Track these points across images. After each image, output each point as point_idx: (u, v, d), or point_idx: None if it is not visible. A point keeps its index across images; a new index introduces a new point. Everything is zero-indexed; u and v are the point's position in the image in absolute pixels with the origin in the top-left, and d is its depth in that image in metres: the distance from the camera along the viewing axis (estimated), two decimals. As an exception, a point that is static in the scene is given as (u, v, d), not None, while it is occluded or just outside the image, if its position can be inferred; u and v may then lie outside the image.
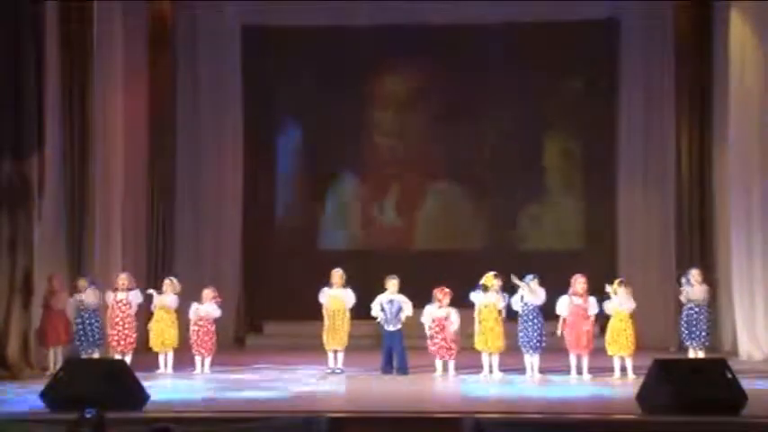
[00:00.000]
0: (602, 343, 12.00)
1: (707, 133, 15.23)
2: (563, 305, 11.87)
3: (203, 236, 16.58)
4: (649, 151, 16.19)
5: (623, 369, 11.73)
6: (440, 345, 11.99)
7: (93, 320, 12.43)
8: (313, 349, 12.85)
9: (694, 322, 12.31)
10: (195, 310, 12.45)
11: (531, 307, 11.92)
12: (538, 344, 11.86)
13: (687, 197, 15.33)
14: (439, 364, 12.04)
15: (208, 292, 12.53)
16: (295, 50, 16.89)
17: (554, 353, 12.15)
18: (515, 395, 10.58)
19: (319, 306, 12.47)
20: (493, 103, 16.89)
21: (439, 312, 12.03)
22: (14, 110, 11.98)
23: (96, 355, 12.38)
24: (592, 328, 11.93)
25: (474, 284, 12.05)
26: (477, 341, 11.99)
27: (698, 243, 15.13)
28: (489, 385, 11.41)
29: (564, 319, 11.83)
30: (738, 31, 14.03)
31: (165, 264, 15.55)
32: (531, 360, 11.90)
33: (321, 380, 11.81)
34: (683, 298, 12.42)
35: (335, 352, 12.36)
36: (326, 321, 12.36)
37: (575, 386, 11.28)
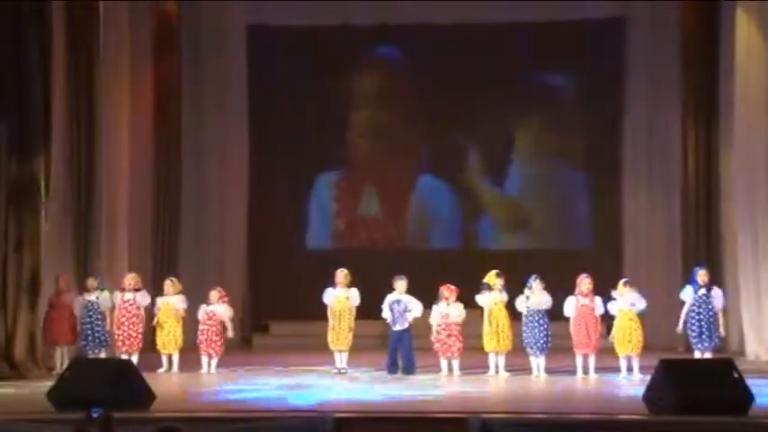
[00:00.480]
0: (607, 342, 11.99)
1: (713, 133, 15.21)
2: (570, 306, 11.86)
3: (209, 236, 16.61)
4: (655, 151, 16.19)
5: (630, 369, 11.72)
6: (443, 342, 11.98)
7: (100, 320, 12.45)
8: (320, 349, 12.85)
9: (704, 323, 12.27)
10: (206, 310, 12.45)
11: (536, 308, 11.91)
12: (544, 345, 11.86)
13: (693, 197, 15.31)
14: (444, 363, 12.04)
15: (215, 293, 12.53)
16: (299, 50, 16.90)
17: (560, 353, 12.15)
18: (521, 395, 10.58)
19: (325, 306, 12.48)
20: (496, 103, 16.88)
21: (448, 309, 12.04)
22: (21, 110, 12.00)
23: (103, 355, 12.39)
24: (599, 327, 11.92)
25: (476, 284, 12.06)
26: (488, 342, 11.97)
27: (704, 243, 15.11)
28: (495, 385, 11.41)
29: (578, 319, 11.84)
30: (744, 30, 14.01)
31: (170, 264, 15.56)
32: (537, 361, 11.90)
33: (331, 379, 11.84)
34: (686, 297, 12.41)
35: (341, 352, 12.36)
36: (331, 321, 12.36)
37: (581, 386, 11.28)
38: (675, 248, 15.51)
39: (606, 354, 12.03)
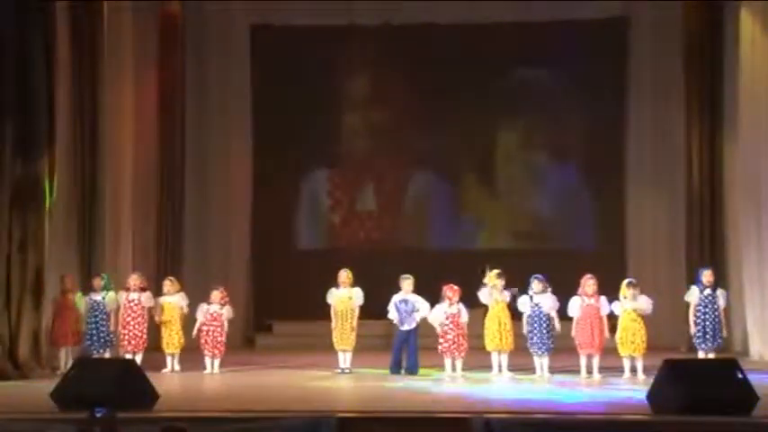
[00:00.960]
0: (611, 343, 11.98)
1: (717, 132, 15.19)
2: (574, 306, 11.86)
3: (212, 235, 16.62)
4: (659, 151, 16.18)
5: (633, 369, 11.71)
6: (452, 342, 11.97)
7: (105, 321, 12.45)
8: (324, 349, 12.84)
9: (708, 323, 12.25)
10: (208, 310, 12.45)
11: (539, 309, 11.91)
12: (548, 345, 11.85)
13: (698, 197, 15.29)
14: (448, 363, 12.03)
15: (217, 294, 12.53)
16: (303, 49, 16.91)
17: (564, 353, 12.14)
18: (525, 395, 10.57)
19: (329, 306, 12.48)
20: (497, 103, 16.88)
21: (451, 309, 12.04)
22: (25, 110, 12.01)
23: (107, 355, 12.40)
24: (604, 328, 11.92)
25: (477, 284, 12.07)
26: (489, 341, 11.96)
27: (708, 243, 15.09)
28: (498, 385, 11.40)
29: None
30: (748, 30, 14.00)
31: (173, 264, 15.57)
32: (541, 361, 11.89)
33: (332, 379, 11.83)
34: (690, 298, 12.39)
35: (344, 352, 12.36)
36: (334, 321, 12.36)
37: (584, 386, 11.27)
38: (679, 249, 15.49)
39: (610, 354, 12.01)
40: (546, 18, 16.30)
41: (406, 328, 12.15)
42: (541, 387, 11.28)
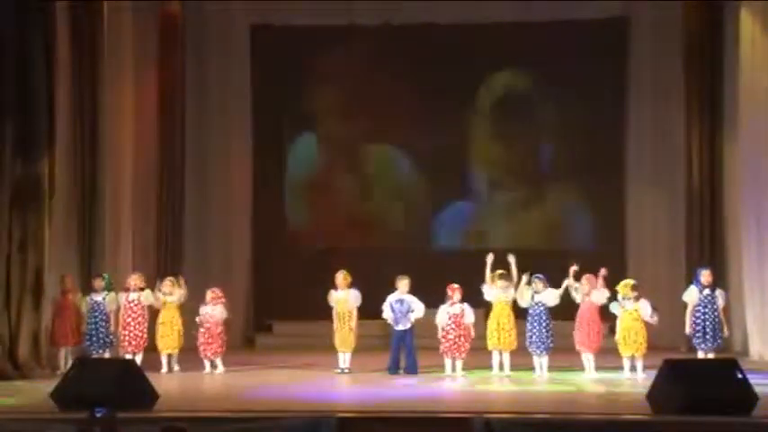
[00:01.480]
0: (611, 342, 11.99)
1: (717, 132, 15.18)
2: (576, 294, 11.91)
3: (213, 236, 16.60)
4: (659, 151, 16.16)
5: (633, 369, 11.72)
6: (452, 342, 11.97)
7: (105, 321, 12.45)
8: (324, 349, 12.85)
9: (707, 323, 12.25)
10: (202, 311, 12.47)
11: (540, 308, 11.92)
12: (547, 345, 11.86)
13: (698, 197, 15.28)
14: (448, 363, 12.03)
15: (208, 294, 12.52)
16: (303, 49, 16.91)
17: (563, 352, 12.15)
18: (525, 395, 10.57)
19: (329, 306, 12.49)
20: (501, 102, 16.87)
21: (453, 309, 12.04)
22: (25, 111, 12.02)
23: (107, 355, 12.40)
24: (601, 327, 11.94)
25: (478, 283, 12.08)
26: (489, 339, 11.96)
27: (708, 243, 15.08)
28: (498, 385, 11.40)
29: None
30: (748, 30, 13.99)
31: (174, 264, 15.56)
32: (540, 360, 11.90)
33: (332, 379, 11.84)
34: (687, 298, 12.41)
35: (344, 352, 12.37)
36: (336, 323, 12.38)
37: (584, 386, 11.27)
38: (679, 249, 15.48)
39: (610, 353, 12.02)
40: (546, 18, 16.29)
41: (400, 328, 12.15)
42: (541, 386, 11.29)
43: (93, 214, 13.65)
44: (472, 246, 16.47)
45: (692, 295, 12.33)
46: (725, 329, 12.26)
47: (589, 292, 11.85)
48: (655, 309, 11.83)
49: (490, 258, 12.03)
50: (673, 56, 15.70)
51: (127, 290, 12.48)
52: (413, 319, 12.16)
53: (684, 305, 12.50)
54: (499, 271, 12.03)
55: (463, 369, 12.02)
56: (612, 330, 12.08)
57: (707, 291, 12.30)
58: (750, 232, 13.93)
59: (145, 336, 12.44)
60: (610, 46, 16.51)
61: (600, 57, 16.49)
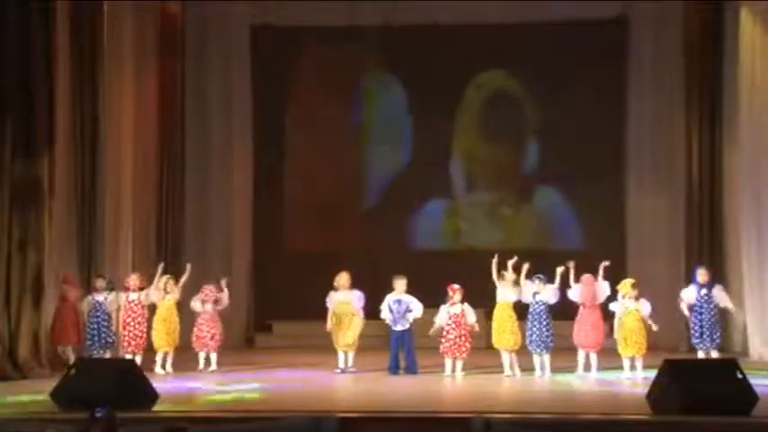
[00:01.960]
0: (611, 342, 12.00)
1: (717, 134, 15.18)
2: (575, 293, 11.92)
3: (213, 236, 16.60)
4: (659, 152, 16.16)
5: (633, 368, 11.72)
6: (452, 342, 11.97)
7: (106, 321, 12.45)
8: (324, 349, 12.85)
9: (704, 323, 12.26)
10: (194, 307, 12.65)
11: (540, 306, 11.94)
12: (547, 344, 11.87)
13: (697, 197, 15.28)
14: (448, 363, 12.03)
15: (202, 292, 12.66)
16: (303, 50, 16.92)
17: (563, 352, 12.15)
18: (525, 395, 10.57)
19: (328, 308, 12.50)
20: (499, 102, 16.87)
21: (454, 309, 12.05)
22: (25, 109, 12.02)
23: (107, 356, 12.40)
24: (602, 326, 11.95)
25: (478, 283, 12.08)
26: (499, 338, 11.97)
27: (708, 244, 15.09)
28: (498, 385, 11.41)
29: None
30: (749, 31, 14.00)
31: (174, 263, 15.53)
32: (541, 359, 11.91)
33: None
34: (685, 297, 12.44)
35: (346, 352, 12.37)
36: (330, 324, 12.36)
37: (584, 386, 11.28)
38: (679, 249, 15.48)
39: (610, 353, 12.02)
40: (546, 18, 16.29)
41: (399, 328, 12.15)
42: (542, 386, 11.29)
43: (93, 214, 13.64)
44: (471, 245, 16.52)
45: (689, 294, 12.35)
46: (732, 308, 12.29)
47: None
48: (651, 317, 11.84)
49: (495, 259, 12.04)
50: (673, 56, 15.71)
51: (127, 290, 12.48)
52: (411, 319, 12.16)
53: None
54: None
55: (463, 369, 12.01)
56: (612, 329, 12.08)
57: (704, 290, 12.31)
58: (750, 232, 13.94)
59: (145, 336, 12.44)
60: (610, 46, 16.52)
61: (600, 57, 16.49)
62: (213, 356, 12.53)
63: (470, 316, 12.03)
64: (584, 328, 11.94)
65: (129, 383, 9.01)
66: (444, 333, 12.02)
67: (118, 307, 12.47)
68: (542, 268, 12.17)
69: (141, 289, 12.50)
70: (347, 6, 16.46)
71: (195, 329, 12.66)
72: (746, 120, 14.04)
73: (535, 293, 11.91)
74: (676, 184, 15.74)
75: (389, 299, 12.21)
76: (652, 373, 9.68)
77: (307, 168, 17.34)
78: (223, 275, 13.26)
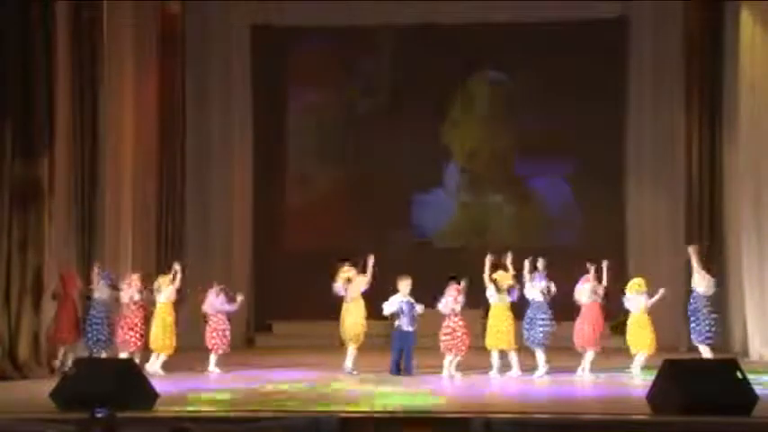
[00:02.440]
0: (612, 342, 12.02)
1: (717, 132, 15.19)
2: (583, 291, 11.94)
3: (213, 236, 16.61)
4: (659, 151, 16.17)
5: (639, 366, 11.75)
6: (459, 339, 11.98)
7: (105, 321, 12.44)
8: (323, 349, 12.84)
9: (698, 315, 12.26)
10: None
11: (537, 303, 11.97)
12: (539, 340, 11.90)
13: (697, 196, 15.29)
14: (447, 361, 12.03)
15: (218, 289, 12.64)
16: (303, 50, 16.92)
17: (563, 352, 12.15)
18: (525, 395, 10.57)
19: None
20: (499, 102, 16.87)
21: (458, 307, 12.08)
22: (25, 110, 12.01)
23: (104, 355, 12.39)
24: (602, 325, 11.99)
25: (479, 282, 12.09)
26: (501, 339, 12.00)
27: (708, 243, 15.07)
28: (498, 385, 11.42)
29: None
30: (749, 31, 13.99)
31: (174, 263, 15.53)
32: (538, 355, 11.95)
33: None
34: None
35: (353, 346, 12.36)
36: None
37: (585, 385, 11.28)
38: (679, 249, 15.45)
39: (611, 353, 12.02)
40: (546, 18, 16.29)
41: (409, 329, 12.14)
42: (541, 387, 11.28)
43: (93, 214, 13.63)
44: (472, 245, 16.53)
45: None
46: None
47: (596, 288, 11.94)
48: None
49: (489, 259, 12.06)
50: (673, 56, 15.71)
51: (127, 289, 12.47)
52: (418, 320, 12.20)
53: (684, 304, 12.53)
54: (500, 271, 12.01)
55: (464, 369, 12.02)
56: (614, 330, 12.11)
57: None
58: (750, 232, 13.93)
59: (144, 336, 12.44)
60: (610, 46, 16.52)
61: (600, 57, 16.50)
62: (215, 357, 12.52)
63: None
64: (582, 327, 11.97)
65: (129, 383, 9.01)
66: (450, 331, 12.01)
67: (116, 303, 12.44)
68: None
69: (141, 290, 12.48)
70: (347, 6, 16.46)
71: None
72: (746, 120, 14.03)
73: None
74: (676, 185, 15.75)
75: (399, 300, 12.17)
76: (652, 374, 9.68)
77: (307, 168, 17.35)
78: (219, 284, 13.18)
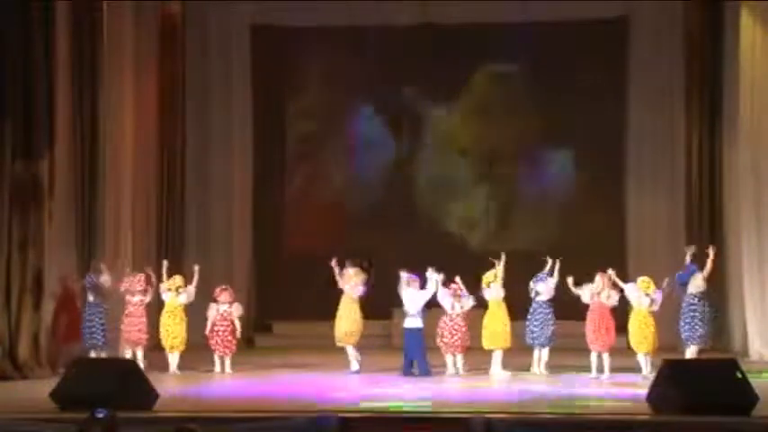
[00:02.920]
0: (618, 341, 12.03)
1: (717, 133, 15.19)
2: (586, 294, 11.95)
3: (213, 236, 16.60)
4: (659, 151, 16.16)
5: (645, 365, 11.78)
6: (459, 339, 11.98)
7: (102, 320, 12.44)
8: (323, 349, 12.84)
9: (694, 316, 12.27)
10: (218, 310, 12.53)
11: (540, 301, 11.99)
12: (541, 340, 11.90)
13: (697, 197, 15.30)
14: (450, 360, 12.04)
15: (227, 294, 12.61)
16: (303, 50, 16.93)
17: (566, 352, 12.16)
18: (525, 395, 10.57)
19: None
20: (499, 102, 16.88)
21: (458, 306, 12.09)
22: (25, 110, 12.02)
23: (104, 355, 12.40)
24: (612, 325, 11.99)
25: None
26: (499, 338, 12.01)
27: (708, 243, 15.05)
28: (498, 385, 11.42)
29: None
30: (749, 31, 14.00)
31: (175, 263, 15.50)
32: (540, 354, 11.95)
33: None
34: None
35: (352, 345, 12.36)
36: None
37: (586, 385, 11.28)
38: (679, 249, 15.44)
39: (613, 353, 12.03)
40: (546, 18, 16.29)
41: (419, 325, 12.12)
42: (542, 387, 11.28)
43: (93, 213, 13.63)
44: (472, 245, 16.56)
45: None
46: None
47: (601, 291, 11.91)
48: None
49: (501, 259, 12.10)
50: (673, 56, 15.71)
51: (129, 290, 12.47)
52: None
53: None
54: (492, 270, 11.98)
55: (464, 368, 12.02)
56: (624, 329, 12.13)
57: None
58: (750, 233, 13.94)
59: (144, 336, 12.44)
60: (610, 46, 16.52)
61: (600, 57, 16.50)
62: (227, 359, 12.51)
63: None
64: (589, 328, 11.99)
65: (129, 383, 9.01)
66: (453, 330, 12.02)
67: (104, 293, 12.44)
68: (541, 267, 12.22)
69: (142, 290, 12.48)
70: (347, 6, 16.46)
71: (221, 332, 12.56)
72: (746, 120, 14.04)
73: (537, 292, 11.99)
74: (676, 185, 15.75)
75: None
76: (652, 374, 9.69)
77: (307, 168, 17.36)
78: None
